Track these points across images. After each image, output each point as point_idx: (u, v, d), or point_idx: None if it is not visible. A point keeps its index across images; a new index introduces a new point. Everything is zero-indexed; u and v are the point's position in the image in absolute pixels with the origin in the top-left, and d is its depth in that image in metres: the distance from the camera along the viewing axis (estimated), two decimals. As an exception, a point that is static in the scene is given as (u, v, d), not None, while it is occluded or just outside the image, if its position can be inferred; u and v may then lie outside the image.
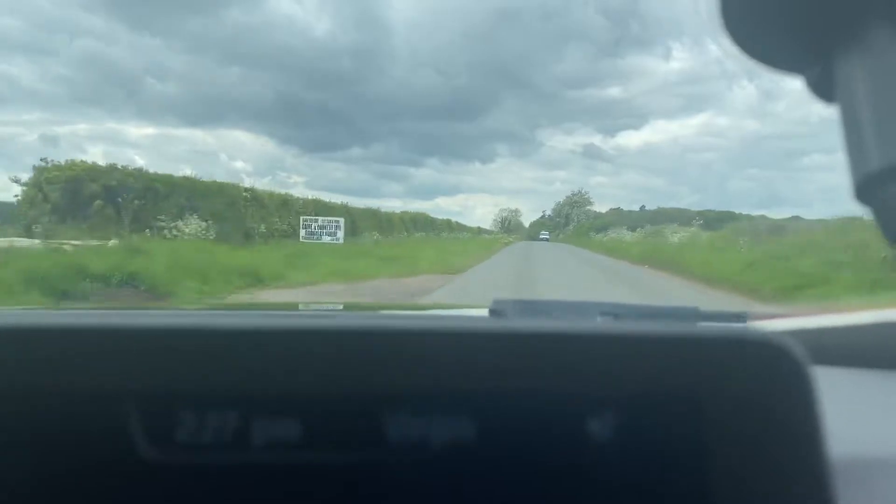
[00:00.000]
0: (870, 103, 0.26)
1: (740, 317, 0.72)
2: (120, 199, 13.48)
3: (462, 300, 8.20)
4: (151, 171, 15.39)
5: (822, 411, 0.32)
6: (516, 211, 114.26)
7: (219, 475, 0.31)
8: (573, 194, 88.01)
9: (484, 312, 0.72)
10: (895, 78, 0.25)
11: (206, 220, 14.36)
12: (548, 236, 68.28)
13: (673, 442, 0.32)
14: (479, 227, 76.81)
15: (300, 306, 1.19)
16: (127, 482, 0.31)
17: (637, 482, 0.32)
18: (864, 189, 0.27)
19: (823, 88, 0.29)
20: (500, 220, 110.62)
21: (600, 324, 0.34)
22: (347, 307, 1.18)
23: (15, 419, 0.31)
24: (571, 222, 79.03)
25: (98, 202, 13.43)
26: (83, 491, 0.31)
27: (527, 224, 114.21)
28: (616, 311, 0.69)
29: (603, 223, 59.44)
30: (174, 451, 0.31)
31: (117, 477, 0.31)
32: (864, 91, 0.26)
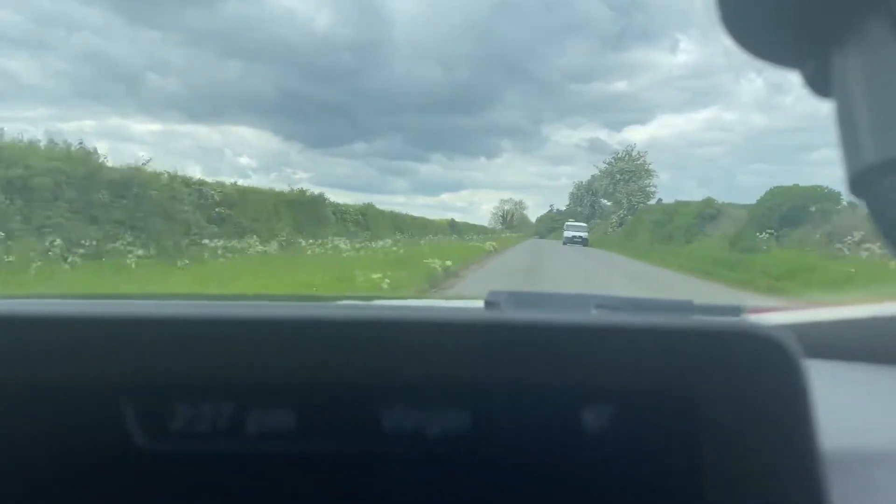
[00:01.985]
0: (865, 97, 0.27)
1: (735, 310, 0.76)
2: None
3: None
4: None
5: (814, 404, 0.33)
6: (520, 203, 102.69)
7: (213, 464, 0.33)
8: (616, 158, 51.20)
9: (479, 304, 0.75)
10: (890, 72, 0.26)
11: None
12: (584, 234, 36.86)
13: (666, 433, 0.34)
14: (451, 220, 50.53)
15: (294, 296, 1.26)
16: (122, 471, 0.33)
17: (630, 473, 0.34)
18: (859, 182, 0.28)
19: (819, 83, 0.30)
20: (500, 213, 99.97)
21: (595, 316, 0.36)
22: (343, 297, 1.25)
23: (9, 410, 0.33)
24: (620, 208, 46.16)
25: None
26: (79, 481, 0.33)
27: (533, 219, 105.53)
28: (611, 304, 0.73)
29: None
30: (169, 440, 0.33)
31: (112, 466, 0.33)
32: (860, 85, 0.27)
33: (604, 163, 53.11)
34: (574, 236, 35.88)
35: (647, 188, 49.04)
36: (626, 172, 49.56)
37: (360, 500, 0.34)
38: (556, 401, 0.34)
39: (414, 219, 37.75)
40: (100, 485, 0.33)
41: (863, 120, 0.27)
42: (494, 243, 25.69)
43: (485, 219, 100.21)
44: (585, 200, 65.49)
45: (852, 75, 0.28)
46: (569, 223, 42.87)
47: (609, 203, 54.80)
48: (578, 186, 69.59)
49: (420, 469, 0.34)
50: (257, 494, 0.33)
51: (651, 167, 49.73)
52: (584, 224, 43.02)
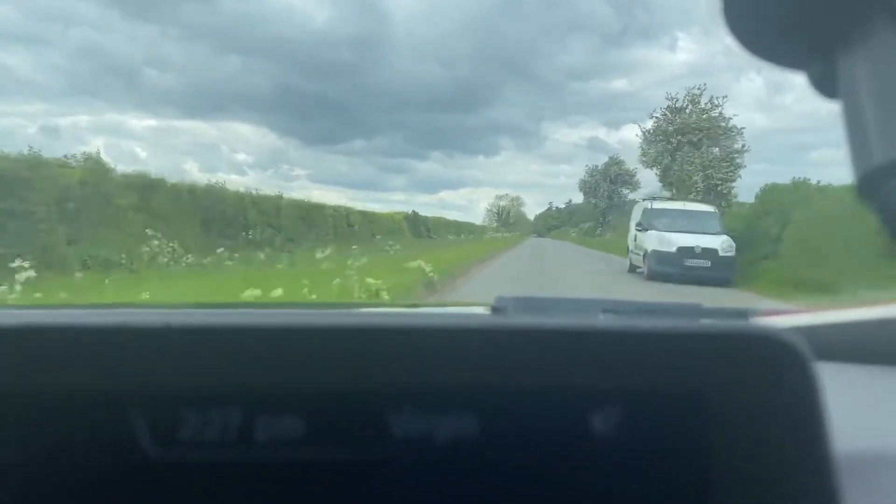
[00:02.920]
0: (872, 99, 0.29)
1: (743, 313, 0.80)
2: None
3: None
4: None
5: (826, 407, 0.35)
6: (517, 199, 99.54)
7: (223, 472, 0.35)
8: (673, 109, 28.44)
9: (486, 310, 0.79)
10: None
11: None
12: (720, 244, 12.23)
13: (676, 438, 0.35)
14: (410, 214, 37.86)
15: (303, 304, 1.33)
16: (131, 480, 0.35)
17: (640, 478, 0.35)
18: (867, 184, 0.29)
19: (826, 84, 0.32)
20: (495, 210, 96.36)
21: (602, 320, 0.37)
22: (350, 304, 1.32)
23: (18, 419, 0.34)
24: (690, 192, 24.48)
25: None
26: (88, 490, 0.35)
27: (531, 217, 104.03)
28: (618, 308, 0.77)
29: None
30: (178, 448, 0.35)
31: (122, 475, 0.35)
32: (867, 87, 0.29)
33: (652, 116, 29.96)
34: (687, 251, 12.78)
35: (735, 156, 26.96)
36: (696, 130, 27.57)
37: None
38: (564, 405, 0.35)
39: (327, 209, 22.54)
40: (109, 494, 0.35)
41: (870, 121, 0.28)
42: (427, 265, 10.48)
43: (478, 217, 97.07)
44: (602, 190, 51.81)
45: (859, 76, 0.29)
46: (658, 203, 16.07)
47: (636, 192, 35.58)
48: (592, 172, 54.02)
49: (429, 474, 0.35)
50: (268, 502, 0.35)
51: (733, 122, 27.63)
52: (711, 208, 15.97)
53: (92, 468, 0.35)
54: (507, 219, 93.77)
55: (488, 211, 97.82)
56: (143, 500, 0.35)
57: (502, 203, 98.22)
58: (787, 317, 0.83)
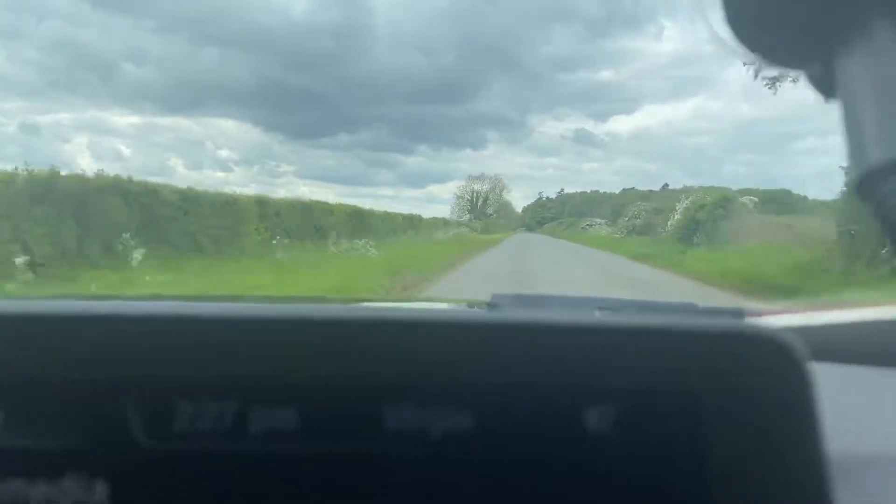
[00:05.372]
0: (871, 99, 0.30)
1: (738, 313, 0.83)
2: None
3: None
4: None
5: (820, 408, 0.36)
6: (499, 182, 74.40)
7: (216, 464, 0.37)
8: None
9: (482, 306, 0.81)
10: None
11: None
12: None
13: (670, 436, 0.37)
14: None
15: (299, 297, 1.38)
16: (124, 471, 0.36)
17: (634, 475, 0.37)
18: (865, 184, 0.31)
19: (824, 84, 0.34)
20: (467, 197, 71.70)
21: (598, 317, 0.39)
22: (345, 298, 1.38)
23: (12, 409, 0.36)
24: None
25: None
26: (81, 480, 0.36)
27: (519, 209, 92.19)
28: (614, 306, 0.81)
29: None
30: (172, 439, 0.36)
31: (114, 465, 0.36)
32: (866, 87, 0.30)
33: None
34: None
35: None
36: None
37: (363, 500, 0.37)
38: (559, 402, 0.37)
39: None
40: (103, 484, 0.36)
41: (868, 121, 0.30)
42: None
43: (454, 206, 73.07)
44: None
45: (858, 76, 0.31)
46: None
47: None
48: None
49: (423, 468, 0.37)
50: (260, 494, 0.37)
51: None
52: None
53: (85, 458, 0.36)
54: (485, 207, 71.58)
55: (459, 198, 73.46)
56: (135, 491, 0.36)
57: (476, 187, 73.63)
58: (782, 316, 0.88)
